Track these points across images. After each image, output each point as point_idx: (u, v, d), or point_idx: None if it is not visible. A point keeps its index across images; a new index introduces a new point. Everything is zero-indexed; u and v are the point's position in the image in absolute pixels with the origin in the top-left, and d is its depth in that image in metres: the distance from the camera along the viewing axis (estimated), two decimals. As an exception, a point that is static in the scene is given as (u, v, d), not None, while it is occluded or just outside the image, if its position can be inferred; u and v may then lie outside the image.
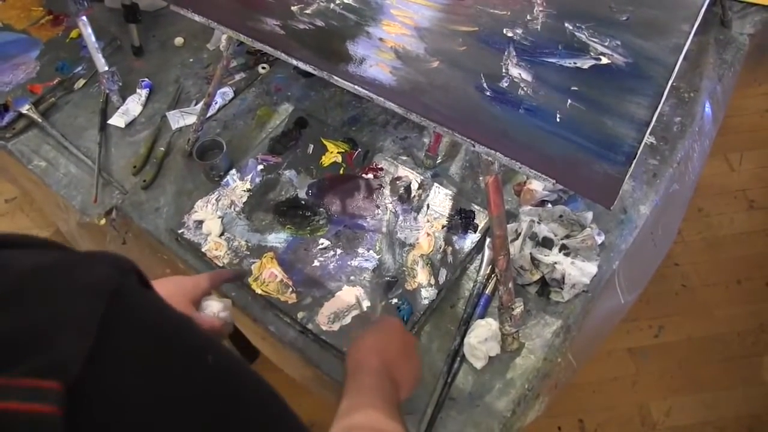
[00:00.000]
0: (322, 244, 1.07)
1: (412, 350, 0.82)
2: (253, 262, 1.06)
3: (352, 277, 1.03)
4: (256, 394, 0.40)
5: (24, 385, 0.28)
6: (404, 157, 1.20)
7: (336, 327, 0.98)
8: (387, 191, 1.12)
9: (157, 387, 0.32)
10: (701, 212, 2.01)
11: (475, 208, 1.08)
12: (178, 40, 1.47)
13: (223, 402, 0.35)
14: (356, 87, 0.90)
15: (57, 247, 0.37)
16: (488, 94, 0.77)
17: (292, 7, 0.90)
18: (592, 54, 0.67)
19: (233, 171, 1.18)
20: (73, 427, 0.28)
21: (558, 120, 0.73)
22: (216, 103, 1.32)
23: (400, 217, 1.09)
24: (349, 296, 1.01)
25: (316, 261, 1.05)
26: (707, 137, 1.25)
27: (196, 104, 1.34)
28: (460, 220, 1.07)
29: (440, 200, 1.10)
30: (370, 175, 1.15)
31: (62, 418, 0.27)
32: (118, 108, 1.34)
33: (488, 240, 1.04)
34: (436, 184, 1.12)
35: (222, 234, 1.10)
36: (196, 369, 0.36)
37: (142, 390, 0.32)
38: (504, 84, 0.75)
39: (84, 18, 1.29)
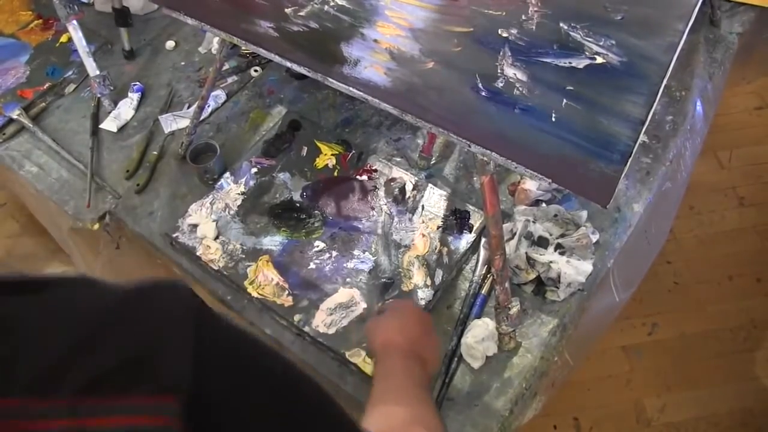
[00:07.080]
0: (318, 246, 1.07)
1: (430, 327, 0.86)
2: (249, 266, 1.05)
3: (348, 279, 1.03)
4: (318, 396, 0.44)
5: (149, 402, 0.32)
6: (398, 159, 1.20)
7: (333, 330, 0.98)
8: (381, 193, 1.12)
9: (246, 395, 0.37)
10: (692, 210, 2.03)
11: (470, 208, 1.08)
12: (170, 44, 1.47)
13: (294, 406, 0.40)
14: (351, 89, 0.90)
15: (96, 281, 0.39)
16: (483, 94, 0.77)
17: (286, 9, 0.90)
18: (587, 53, 0.67)
19: (227, 174, 1.17)
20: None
21: (553, 119, 0.73)
22: (209, 106, 1.31)
23: (395, 219, 1.09)
24: (346, 298, 1.01)
25: (311, 263, 1.05)
26: (699, 135, 1.26)
27: (188, 108, 1.34)
28: (455, 220, 1.07)
29: (435, 201, 1.10)
30: (365, 177, 1.15)
31: (182, 428, 0.32)
32: (109, 112, 1.34)
33: (483, 240, 1.04)
34: (430, 185, 1.12)
35: (217, 237, 1.09)
36: (272, 379, 0.40)
37: (234, 398, 0.36)
38: (499, 84, 0.75)
39: (74, 22, 1.28)
